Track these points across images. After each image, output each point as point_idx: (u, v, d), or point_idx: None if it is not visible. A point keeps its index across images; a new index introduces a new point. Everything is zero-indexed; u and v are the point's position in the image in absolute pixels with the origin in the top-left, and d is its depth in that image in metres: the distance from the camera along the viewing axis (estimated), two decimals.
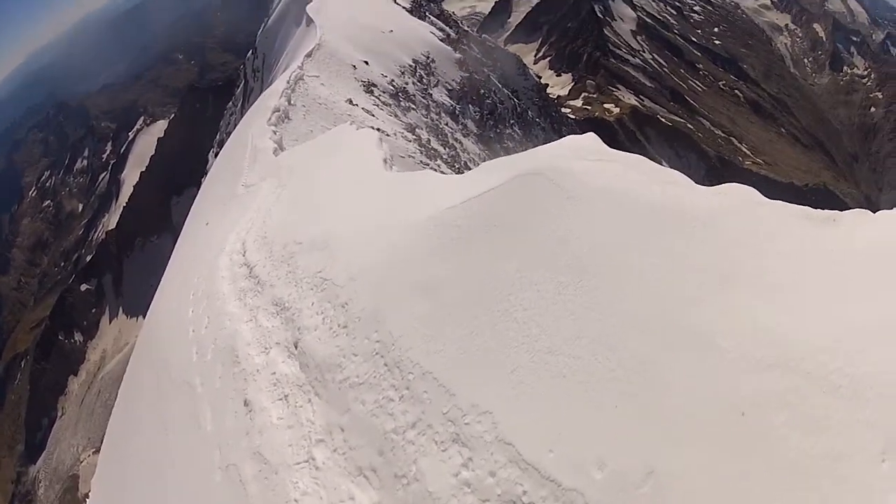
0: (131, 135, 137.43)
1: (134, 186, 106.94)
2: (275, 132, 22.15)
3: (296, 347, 8.96)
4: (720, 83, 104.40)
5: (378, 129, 23.51)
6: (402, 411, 6.93)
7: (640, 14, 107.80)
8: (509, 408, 6.06)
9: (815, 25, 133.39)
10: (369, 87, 32.13)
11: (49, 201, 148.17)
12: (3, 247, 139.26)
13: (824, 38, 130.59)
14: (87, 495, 65.43)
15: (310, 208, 12.68)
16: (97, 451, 71.45)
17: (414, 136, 29.31)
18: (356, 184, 12.53)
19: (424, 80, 37.81)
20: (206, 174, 39.83)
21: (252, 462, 7.96)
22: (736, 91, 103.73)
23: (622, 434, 5.20)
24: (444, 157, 29.88)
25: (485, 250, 7.55)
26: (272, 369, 8.93)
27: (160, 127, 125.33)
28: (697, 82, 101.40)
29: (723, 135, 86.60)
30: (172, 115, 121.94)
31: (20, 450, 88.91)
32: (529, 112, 51.47)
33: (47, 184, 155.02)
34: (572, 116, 73.87)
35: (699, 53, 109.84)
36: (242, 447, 8.25)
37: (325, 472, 7.22)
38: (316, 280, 9.67)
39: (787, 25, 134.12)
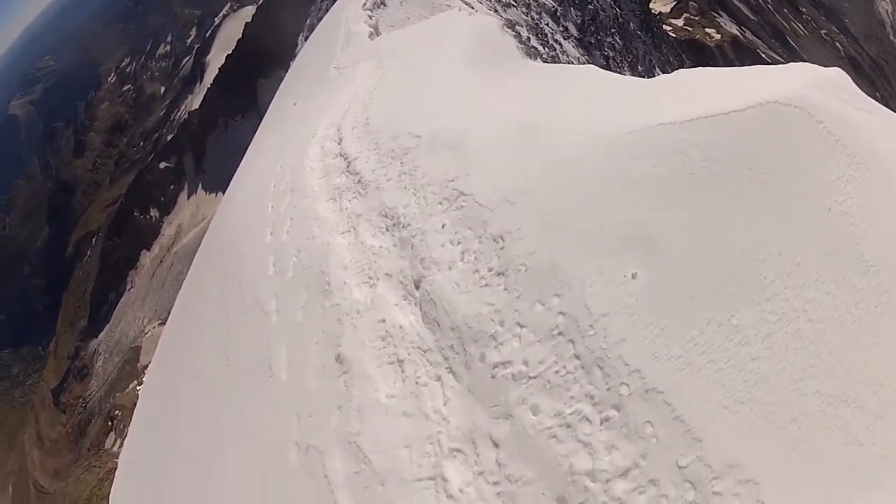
0: (217, 20, 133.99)
1: (219, 68, 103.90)
2: (370, 17, 19.51)
3: (417, 288, 6.07)
4: (822, 31, 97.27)
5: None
6: (605, 444, 4.23)
7: None
8: (785, 480, 3.75)
9: None
10: None
11: (129, 86, 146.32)
12: (80, 131, 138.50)
13: None
14: (146, 367, 66.30)
15: (427, 96, 9.62)
16: (162, 322, 71.84)
17: (514, 33, 26.68)
18: (489, 72, 9.47)
19: None
20: (294, 57, 37.38)
21: (345, 455, 5.32)
22: (837, 43, 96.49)
23: None
24: (543, 56, 27.17)
25: (735, 202, 4.71)
26: (381, 314, 6.12)
27: (247, 12, 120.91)
28: (800, 25, 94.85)
29: None
30: (261, 1, 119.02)
31: (82, 325, 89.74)
32: (631, 24, 47.03)
33: (127, 70, 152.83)
34: (673, 35, 68.25)
35: None
36: (332, 427, 5.59)
37: None
38: (448, 192, 6.66)
39: None
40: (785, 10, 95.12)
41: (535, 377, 4.73)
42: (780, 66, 5.93)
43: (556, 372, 4.65)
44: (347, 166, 8.92)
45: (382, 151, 8.53)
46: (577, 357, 4.58)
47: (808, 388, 3.89)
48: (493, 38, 11.84)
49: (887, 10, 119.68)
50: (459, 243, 6.01)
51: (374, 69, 13.03)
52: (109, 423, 70.07)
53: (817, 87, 5.03)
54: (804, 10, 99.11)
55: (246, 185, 12.48)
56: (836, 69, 5.53)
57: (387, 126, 9.17)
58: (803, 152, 4.71)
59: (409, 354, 5.61)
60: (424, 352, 5.56)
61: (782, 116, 4.81)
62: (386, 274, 6.48)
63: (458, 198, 6.43)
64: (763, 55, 77.24)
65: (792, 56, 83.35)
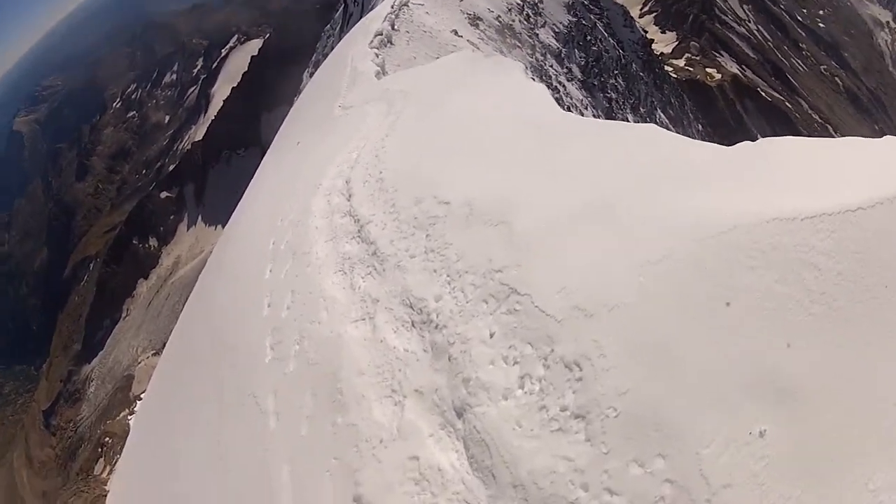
0: (224, 52, 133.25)
1: (224, 101, 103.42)
2: (377, 55, 18.52)
3: (460, 418, 4.41)
4: (821, 67, 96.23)
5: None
6: None
7: None
8: None
9: None
10: (475, 20, 28.53)
11: (134, 112, 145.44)
12: (83, 154, 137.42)
13: None
14: (139, 396, 64.51)
15: (453, 152, 8.03)
16: (157, 353, 71.04)
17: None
18: (526, 127, 7.91)
19: (531, 20, 33.94)
20: (299, 94, 36.56)
21: None
22: (836, 78, 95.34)
23: None
24: None
25: (874, 330, 3.48)
26: (411, 448, 4.46)
27: (254, 45, 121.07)
28: (800, 62, 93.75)
29: (820, 120, 78.87)
30: (268, 35, 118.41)
31: (76, 349, 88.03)
32: (633, 65, 46.38)
33: (133, 96, 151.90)
34: (674, 75, 68.06)
35: (803, 33, 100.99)
36: None
37: None
38: (493, 286, 4.98)
39: (888, 23, 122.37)
40: (785, 48, 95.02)
41: None
42: (877, 141, 4.48)
43: None
44: (359, 231, 7.36)
45: (402, 217, 6.93)
46: None
47: None
48: (521, 84, 10.45)
49: (886, 41, 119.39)
50: (516, 363, 4.35)
51: (384, 112, 11.60)
52: (99, 450, 68.48)
53: None
54: (804, 46, 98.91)
55: (242, 235, 11.01)
56: None
57: (405, 185, 7.58)
58: None
59: None
60: None
61: None
62: (416, 390, 4.82)
63: (510, 296, 4.77)
64: (763, 93, 77.03)
65: (791, 93, 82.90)
